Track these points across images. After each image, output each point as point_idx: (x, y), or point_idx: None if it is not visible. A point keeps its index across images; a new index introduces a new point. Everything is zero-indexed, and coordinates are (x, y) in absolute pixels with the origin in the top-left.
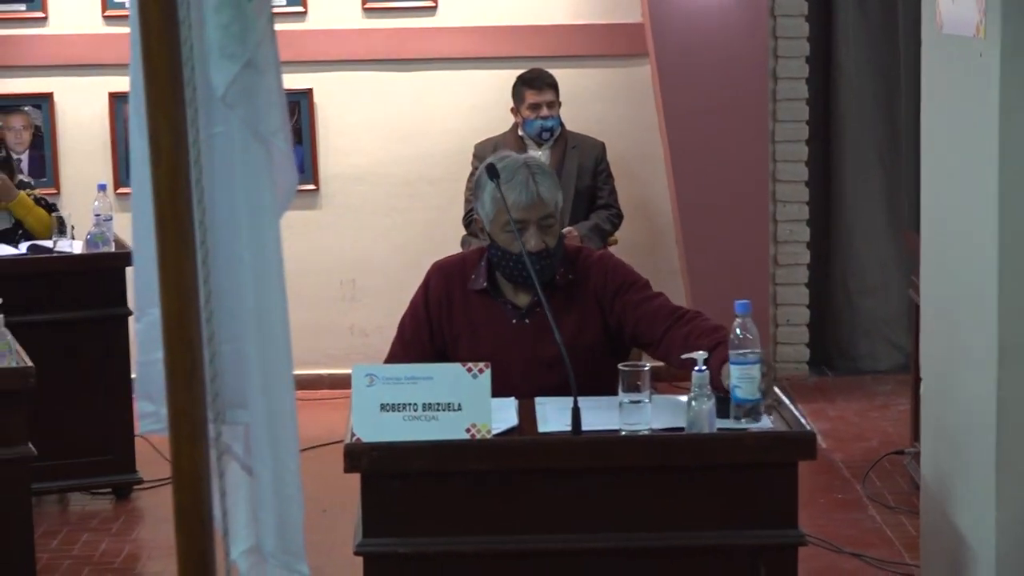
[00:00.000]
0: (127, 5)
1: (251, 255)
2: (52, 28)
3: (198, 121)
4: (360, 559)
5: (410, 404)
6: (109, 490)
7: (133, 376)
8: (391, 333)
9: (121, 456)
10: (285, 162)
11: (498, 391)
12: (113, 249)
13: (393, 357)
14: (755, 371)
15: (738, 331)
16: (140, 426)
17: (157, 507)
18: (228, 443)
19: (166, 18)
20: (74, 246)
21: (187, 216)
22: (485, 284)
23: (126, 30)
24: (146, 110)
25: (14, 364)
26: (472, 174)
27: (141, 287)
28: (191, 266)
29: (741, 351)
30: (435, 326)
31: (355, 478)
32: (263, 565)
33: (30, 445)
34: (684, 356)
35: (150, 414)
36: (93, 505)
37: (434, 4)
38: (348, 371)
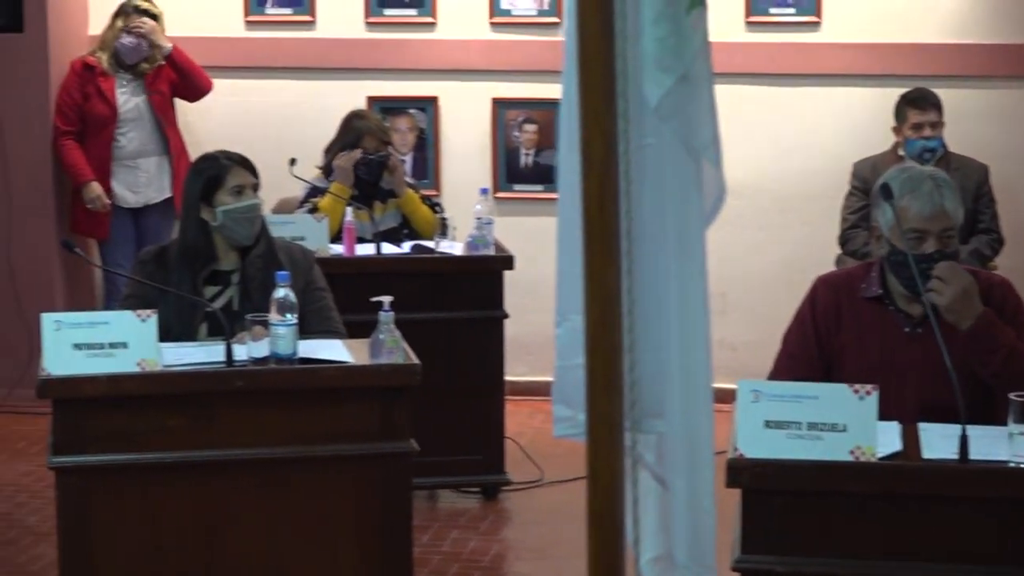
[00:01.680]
0: (513, 12)
1: (677, 267)
2: (440, 33)
3: (629, 132)
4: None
5: (795, 422)
6: (478, 489)
7: (507, 378)
8: (760, 348)
9: (491, 457)
10: (714, 175)
11: (887, 402)
12: (492, 252)
13: (778, 372)
14: None
15: None
16: (555, 430)
17: (524, 509)
18: (641, 452)
19: (604, 30)
20: (455, 247)
21: (614, 226)
22: (880, 291)
23: (512, 37)
24: (579, 120)
25: (402, 361)
26: (850, 193)
27: (564, 293)
28: (616, 275)
29: None
30: (823, 338)
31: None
32: (671, 573)
33: (413, 441)
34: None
35: (566, 419)
36: (462, 503)
37: (818, 20)
38: (715, 384)
